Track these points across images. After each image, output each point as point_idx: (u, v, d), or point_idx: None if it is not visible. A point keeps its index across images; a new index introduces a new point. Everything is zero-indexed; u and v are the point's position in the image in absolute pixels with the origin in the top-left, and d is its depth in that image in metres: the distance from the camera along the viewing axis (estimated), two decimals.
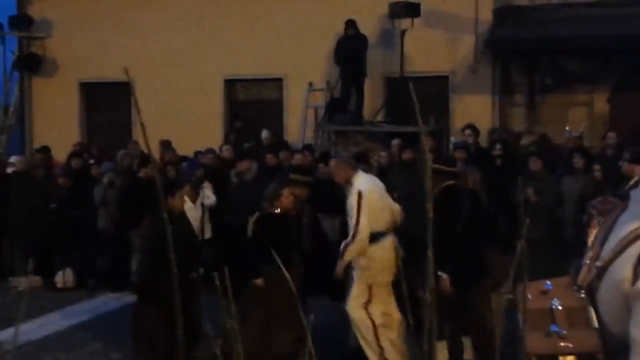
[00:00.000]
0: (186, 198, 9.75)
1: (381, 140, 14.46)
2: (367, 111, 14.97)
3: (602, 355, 2.86)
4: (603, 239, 2.98)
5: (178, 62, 16.42)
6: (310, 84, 15.74)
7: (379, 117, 15.24)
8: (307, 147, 13.44)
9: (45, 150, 14.38)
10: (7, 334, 7.98)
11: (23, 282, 11.68)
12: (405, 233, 7.71)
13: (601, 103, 14.72)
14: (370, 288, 7.53)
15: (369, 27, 14.89)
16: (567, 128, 12.94)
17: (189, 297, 6.72)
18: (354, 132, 15.05)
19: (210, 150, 12.48)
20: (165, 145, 13.57)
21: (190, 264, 7.58)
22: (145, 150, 13.07)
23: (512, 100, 15.27)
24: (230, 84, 16.85)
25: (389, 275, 7.54)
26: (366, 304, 7.53)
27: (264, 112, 16.44)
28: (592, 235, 3.12)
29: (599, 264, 2.90)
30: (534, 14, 14.73)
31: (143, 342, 7.99)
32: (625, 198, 3.15)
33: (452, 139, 13.57)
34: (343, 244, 7.52)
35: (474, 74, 15.11)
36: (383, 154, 12.12)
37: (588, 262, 2.97)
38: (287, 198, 8.15)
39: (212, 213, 11.25)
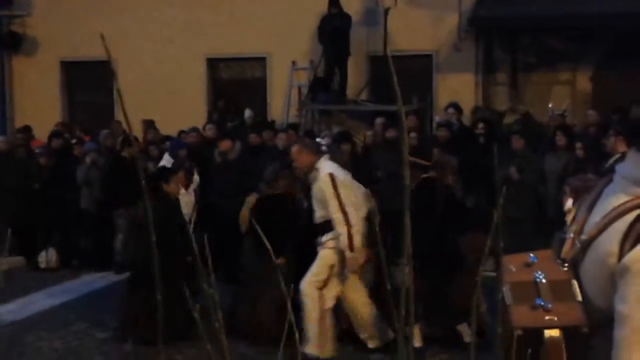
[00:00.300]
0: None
1: (365, 119, 14.48)
2: (350, 90, 14.94)
3: (587, 329, 2.88)
4: (587, 212, 2.99)
5: (160, 41, 16.31)
6: (294, 63, 15.68)
7: (363, 96, 15.22)
8: (293, 126, 13.41)
9: (27, 129, 14.28)
10: None
11: (5, 263, 11.62)
12: (388, 212, 7.68)
13: (584, 81, 14.77)
14: (331, 268, 7.36)
15: (352, 6, 14.84)
16: (550, 106, 13.00)
17: (188, 279, 6.71)
18: (338, 111, 15.05)
19: (194, 129, 12.43)
20: (148, 124, 13.51)
21: (186, 248, 7.45)
22: (128, 130, 13.00)
23: (495, 78, 15.29)
24: (213, 63, 16.76)
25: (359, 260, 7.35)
26: (322, 285, 7.34)
27: (247, 91, 16.37)
28: (569, 212, 3.12)
29: (583, 237, 2.91)
30: None
31: (129, 323, 7.95)
32: (608, 173, 3.16)
33: (437, 118, 13.60)
34: (341, 236, 7.14)
35: (458, 52, 15.10)
36: (369, 133, 12.14)
37: (572, 235, 2.98)
38: (285, 180, 8.02)
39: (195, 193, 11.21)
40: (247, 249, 8.76)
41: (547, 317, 2.88)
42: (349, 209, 7.15)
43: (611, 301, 2.84)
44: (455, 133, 11.80)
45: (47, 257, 11.74)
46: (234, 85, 16.68)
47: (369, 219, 7.31)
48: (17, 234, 11.62)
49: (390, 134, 11.53)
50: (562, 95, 14.45)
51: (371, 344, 7.68)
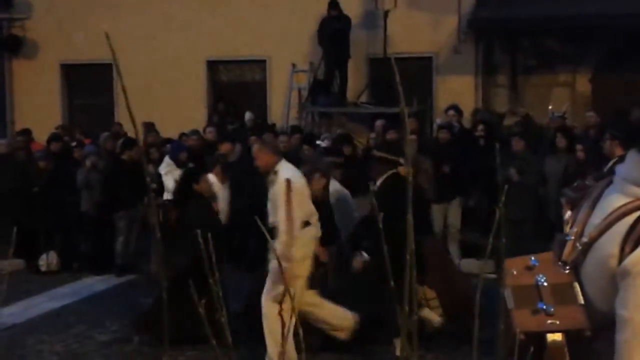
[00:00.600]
0: (214, 179, 9.44)
1: (365, 122, 14.48)
2: (350, 92, 14.96)
3: (590, 332, 2.88)
4: (587, 214, 2.99)
5: (161, 43, 16.32)
6: (294, 66, 15.69)
7: (363, 98, 15.23)
8: (296, 129, 13.35)
9: (27, 132, 14.27)
10: None
11: (5, 266, 11.59)
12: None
13: (583, 83, 14.78)
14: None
15: (352, 8, 14.85)
16: (550, 108, 13.01)
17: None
18: (338, 114, 15.06)
19: (195, 132, 12.44)
20: (149, 127, 13.52)
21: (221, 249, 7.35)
22: (129, 133, 13.01)
23: (495, 80, 15.31)
24: (213, 66, 16.77)
25: (307, 268, 7.17)
26: (281, 299, 7.13)
27: (247, 93, 16.38)
28: (567, 223, 3.12)
29: (584, 239, 2.91)
30: None
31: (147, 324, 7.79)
32: (607, 175, 3.16)
33: (437, 120, 13.61)
34: (280, 244, 6.82)
35: (457, 54, 15.11)
36: (372, 135, 12.17)
37: (573, 237, 2.97)
38: (318, 182, 7.79)
39: None
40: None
41: (549, 321, 2.87)
42: (297, 219, 6.94)
43: (612, 304, 2.84)
44: (455, 135, 11.81)
45: (48, 260, 11.73)
46: (234, 87, 16.69)
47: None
48: (18, 237, 11.60)
49: (391, 135, 11.53)
50: (562, 97, 14.47)
51: (342, 336, 7.56)
